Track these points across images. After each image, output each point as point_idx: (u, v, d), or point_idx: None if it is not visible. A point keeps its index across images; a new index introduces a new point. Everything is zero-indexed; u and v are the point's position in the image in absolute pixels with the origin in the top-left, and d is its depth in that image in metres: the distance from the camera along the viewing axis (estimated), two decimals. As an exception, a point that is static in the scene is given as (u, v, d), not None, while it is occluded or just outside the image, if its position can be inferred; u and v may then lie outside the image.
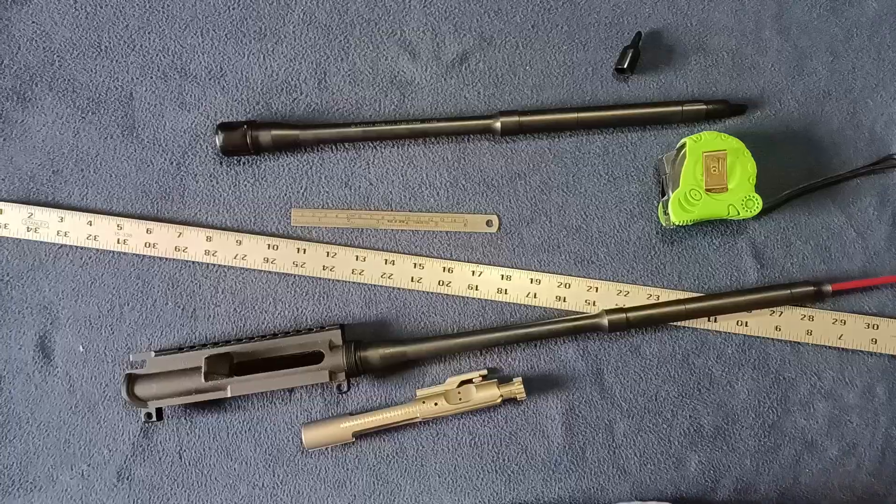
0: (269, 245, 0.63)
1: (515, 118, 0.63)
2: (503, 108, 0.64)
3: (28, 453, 0.62)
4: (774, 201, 0.63)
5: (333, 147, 0.64)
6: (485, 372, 0.62)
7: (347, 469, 0.62)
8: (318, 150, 0.65)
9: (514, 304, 0.63)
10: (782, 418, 0.63)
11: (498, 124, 0.63)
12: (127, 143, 0.64)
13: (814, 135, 0.64)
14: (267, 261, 0.63)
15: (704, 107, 0.63)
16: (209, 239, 0.63)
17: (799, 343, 0.63)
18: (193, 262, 0.63)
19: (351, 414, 0.61)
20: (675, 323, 0.62)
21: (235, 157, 0.64)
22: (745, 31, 0.65)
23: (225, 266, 0.63)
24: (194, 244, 0.63)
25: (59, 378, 0.63)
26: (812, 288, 0.61)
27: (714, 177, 0.59)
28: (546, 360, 0.63)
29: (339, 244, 0.64)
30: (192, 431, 0.62)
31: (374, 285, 0.63)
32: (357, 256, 0.63)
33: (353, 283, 0.63)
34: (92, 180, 0.64)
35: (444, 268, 0.63)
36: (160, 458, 0.62)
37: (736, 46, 0.65)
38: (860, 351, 0.63)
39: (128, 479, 0.62)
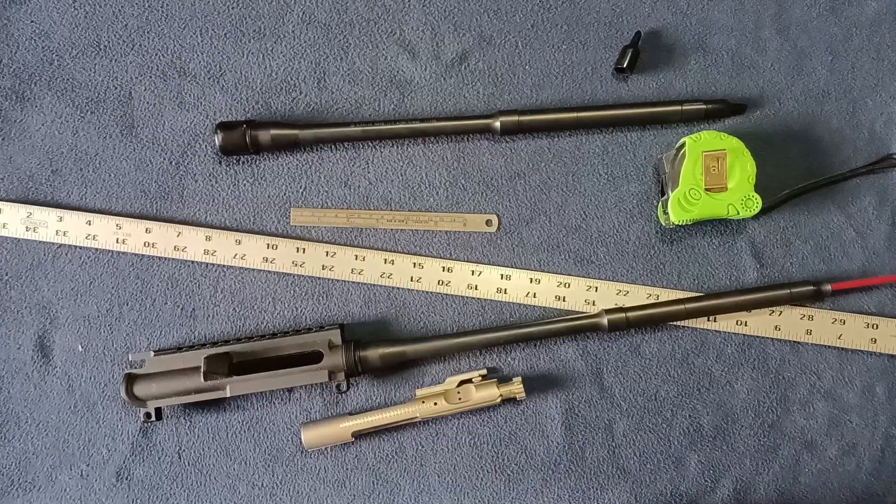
0: (268, 245, 0.63)
1: (515, 118, 0.63)
2: (503, 107, 0.64)
3: (27, 453, 0.62)
4: (774, 201, 0.63)
5: (333, 146, 0.64)
6: (484, 371, 0.62)
7: (347, 469, 0.62)
8: (317, 150, 0.64)
9: (513, 303, 0.63)
10: (782, 418, 0.63)
11: (497, 124, 0.63)
12: (126, 143, 0.64)
13: (813, 134, 0.64)
14: (266, 260, 0.63)
15: (704, 106, 0.63)
16: (208, 238, 0.63)
17: (798, 343, 0.63)
18: (192, 262, 0.63)
19: (350, 414, 0.61)
20: (674, 322, 0.62)
21: (235, 157, 0.64)
22: (744, 30, 0.65)
23: (224, 266, 0.63)
24: (193, 244, 0.63)
25: (58, 378, 0.63)
26: (811, 287, 0.61)
27: (713, 176, 0.59)
28: (545, 360, 0.63)
29: (339, 244, 0.64)
30: (191, 431, 0.62)
31: (374, 285, 0.63)
32: (356, 256, 0.63)
33: (353, 282, 0.63)
34: (91, 180, 0.64)
35: (444, 267, 0.63)
36: (159, 458, 0.62)
37: (735, 46, 0.65)
38: (860, 350, 0.63)
39: (127, 478, 0.62)
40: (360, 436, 0.61)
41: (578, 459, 0.62)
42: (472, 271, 0.63)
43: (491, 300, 0.63)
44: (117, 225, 0.63)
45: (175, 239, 0.63)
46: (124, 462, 0.62)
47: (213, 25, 0.65)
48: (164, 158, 0.64)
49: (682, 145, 0.60)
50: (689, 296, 0.62)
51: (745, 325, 0.63)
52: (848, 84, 0.65)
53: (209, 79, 0.65)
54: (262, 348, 0.60)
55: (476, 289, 0.63)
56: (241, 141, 0.62)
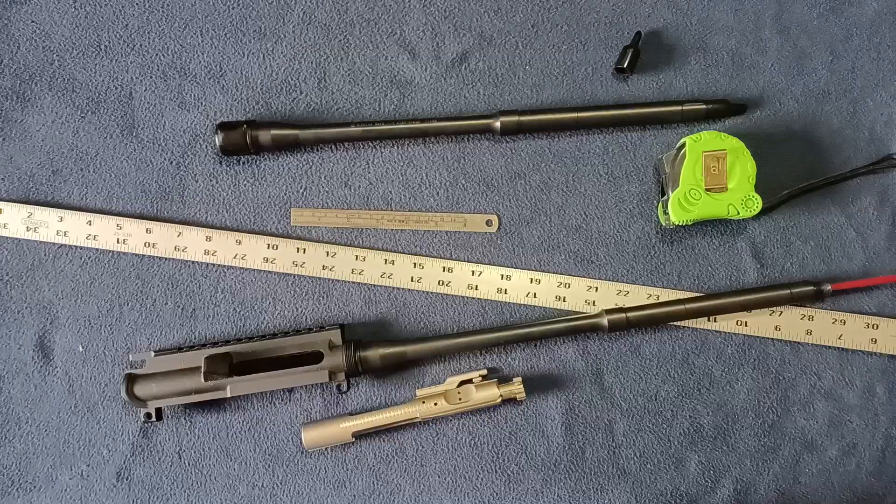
0: (268, 245, 0.63)
1: (515, 118, 0.63)
2: (503, 107, 0.64)
3: (27, 453, 0.62)
4: (774, 201, 0.63)
5: (333, 147, 0.64)
6: (484, 372, 0.62)
7: (347, 469, 0.62)
8: (317, 150, 0.64)
9: (513, 303, 0.63)
10: (782, 418, 0.63)
11: (498, 124, 0.63)
12: (126, 143, 0.64)
13: (813, 134, 0.64)
14: (266, 261, 0.63)
15: (704, 106, 0.63)
16: (209, 239, 0.63)
17: (799, 343, 0.63)
18: (193, 262, 0.63)
19: (351, 414, 0.61)
20: (674, 323, 0.62)
21: (235, 157, 0.64)
22: (744, 30, 0.65)
23: (224, 266, 0.63)
24: (194, 244, 0.63)
25: (58, 378, 0.63)
26: (812, 288, 0.61)
27: (714, 176, 0.59)
28: (546, 360, 0.63)
29: (339, 244, 0.64)
30: (191, 431, 0.62)
31: (374, 285, 0.63)
32: (357, 256, 0.63)
33: (353, 282, 0.63)
34: (91, 180, 0.64)
35: (444, 267, 0.63)
36: (160, 459, 0.62)
37: (736, 46, 0.65)
38: (860, 351, 0.63)
39: (127, 479, 0.62)
40: (360, 436, 0.61)
41: (578, 460, 0.62)
42: (473, 271, 0.63)
43: (491, 300, 0.63)
44: (118, 225, 0.63)
45: (175, 239, 0.63)
46: (124, 462, 0.62)
47: (214, 25, 0.65)
48: (165, 158, 0.64)
49: (683, 145, 0.60)
50: (690, 296, 0.62)
51: (746, 325, 0.63)
52: (848, 84, 0.65)
53: (210, 79, 0.65)
54: (263, 348, 0.60)
55: (476, 289, 0.63)
56: (242, 141, 0.62)
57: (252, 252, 0.63)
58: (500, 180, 0.64)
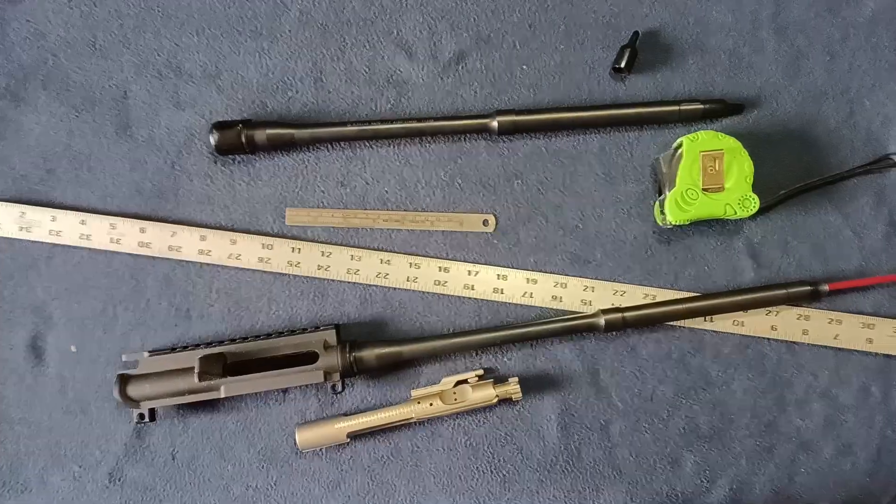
0: (263, 244, 0.63)
1: (512, 117, 0.62)
2: (500, 107, 0.64)
3: (19, 454, 0.62)
4: (771, 201, 0.63)
5: (329, 146, 0.64)
6: (481, 372, 0.61)
7: (342, 470, 0.62)
8: (313, 150, 0.64)
9: (510, 303, 0.63)
10: (778, 418, 0.63)
11: (494, 123, 0.62)
12: (121, 142, 0.64)
13: (810, 134, 0.64)
14: (261, 260, 0.63)
15: (701, 106, 0.63)
16: (203, 238, 0.63)
17: (795, 343, 0.63)
18: (187, 262, 0.63)
19: (345, 414, 0.61)
20: (671, 323, 0.62)
21: (230, 157, 0.64)
22: (742, 30, 0.65)
23: (219, 266, 0.63)
24: (188, 244, 0.63)
25: (51, 378, 0.62)
26: (808, 287, 0.61)
27: (711, 176, 0.59)
28: (542, 360, 0.63)
29: (335, 244, 0.64)
30: (185, 432, 0.62)
31: (370, 285, 0.63)
32: (352, 256, 0.63)
33: (349, 282, 0.63)
34: (86, 179, 0.64)
35: (440, 267, 0.63)
36: (153, 459, 0.62)
37: (733, 46, 0.65)
38: (856, 351, 0.63)
39: (120, 480, 0.62)
40: (355, 437, 0.61)
41: (574, 460, 0.62)
42: (469, 271, 0.63)
43: (487, 300, 0.63)
44: (112, 225, 0.63)
45: (170, 239, 0.63)
46: (117, 463, 0.62)
47: (210, 25, 0.65)
48: (160, 158, 0.64)
49: (680, 145, 0.60)
50: (686, 296, 0.62)
51: (742, 325, 0.62)
52: (845, 84, 0.65)
53: (205, 78, 0.64)
54: (257, 349, 0.60)
55: (473, 289, 0.63)
56: (237, 140, 0.62)
57: (247, 252, 0.63)
58: (496, 180, 0.64)
